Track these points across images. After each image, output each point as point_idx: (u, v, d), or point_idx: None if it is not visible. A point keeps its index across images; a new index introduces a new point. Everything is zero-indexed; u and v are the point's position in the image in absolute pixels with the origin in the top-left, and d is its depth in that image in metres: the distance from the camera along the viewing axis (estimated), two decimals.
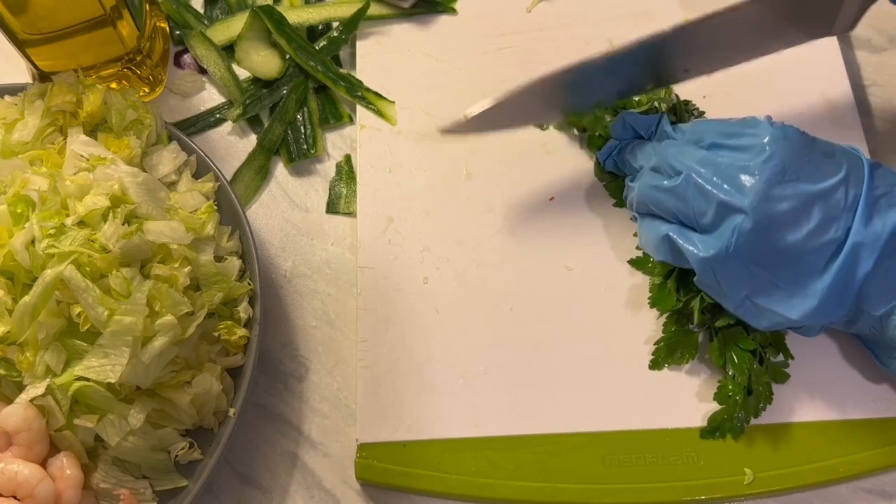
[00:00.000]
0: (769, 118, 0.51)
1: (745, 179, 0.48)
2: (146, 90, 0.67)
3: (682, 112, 0.61)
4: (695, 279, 0.52)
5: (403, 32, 0.69)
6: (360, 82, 0.67)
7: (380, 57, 0.68)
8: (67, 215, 0.50)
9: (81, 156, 0.54)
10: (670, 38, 0.55)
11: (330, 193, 0.65)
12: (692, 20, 0.54)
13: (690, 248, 0.51)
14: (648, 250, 0.56)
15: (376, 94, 0.66)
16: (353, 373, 0.59)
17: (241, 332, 0.54)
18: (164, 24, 0.70)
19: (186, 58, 0.70)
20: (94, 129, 0.58)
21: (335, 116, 0.67)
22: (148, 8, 0.66)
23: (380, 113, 0.66)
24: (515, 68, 0.66)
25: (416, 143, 0.64)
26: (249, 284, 0.55)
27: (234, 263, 0.56)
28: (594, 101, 0.60)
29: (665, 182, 0.52)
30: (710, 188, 0.49)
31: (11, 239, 0.49)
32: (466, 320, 0.58)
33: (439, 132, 0.57)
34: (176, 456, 0.52)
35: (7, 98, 0.59)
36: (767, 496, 0.53)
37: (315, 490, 0.56)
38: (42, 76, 0.63)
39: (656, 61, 0.57)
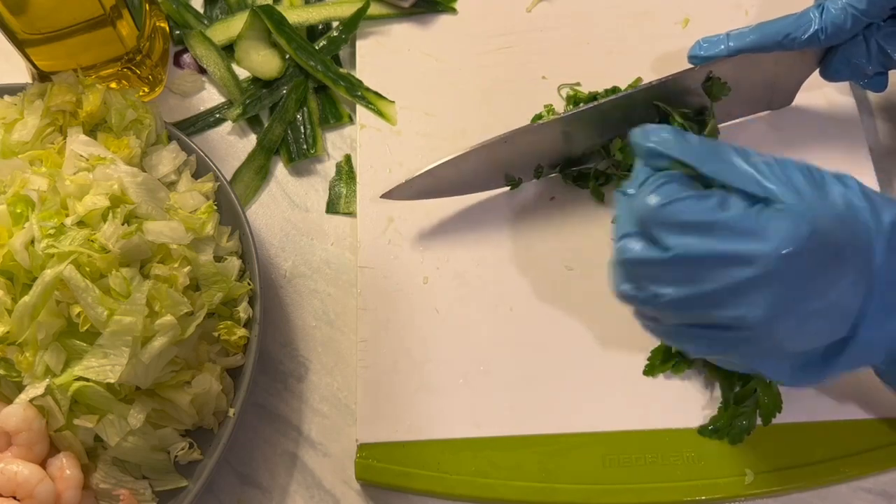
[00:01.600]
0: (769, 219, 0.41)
1: (744, 308, 0.40)
2: (146, 90, 0.67)
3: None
4: None
5: (403, 32, 0.69)
6: (360, 82, 0.67)
7: (380, 57, 0.68)
8: (67, 215, 0.50)
9: (81, 156, 0.54)
10: (608, 105, 0.56)
11: (330, 193, 0.65)
12: (648, 83, 0.56)
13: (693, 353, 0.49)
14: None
15: (376, 94, 0.66)
16: (352, 373, 0.59)
17: (241, 332, 0.54)
18: (164, 24, 0.70)
19: (186, 58, 0.70)
20: (93, 129, 0.58)
21: (335, 116, 0.67)
22: (148, 8, 0.66)
23: (380, 113, 0.66)
24: (515, 68, 0.66)
25: (416, 143, 0.64)
26: (249, 284, 0.55)
27: (234, 263, 0.56)
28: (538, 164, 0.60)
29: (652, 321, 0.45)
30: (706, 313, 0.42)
31: (11, 239, 0.49)
32: (466, 320, 0.58)
33: (381, 196, 0.59)
34: (176, 456, 0.52)
35: (7, 98, 0.59)
36: (767, 496, 0.53)
37: (315, 490, 0.56)
38: (42, 76, 0.63)
39: (607, 123, 0.57)
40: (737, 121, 0.61)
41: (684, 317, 0.43)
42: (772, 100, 0.61)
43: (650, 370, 0.55)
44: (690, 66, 0.57)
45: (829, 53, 0.57)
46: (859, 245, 0.41)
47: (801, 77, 0.59)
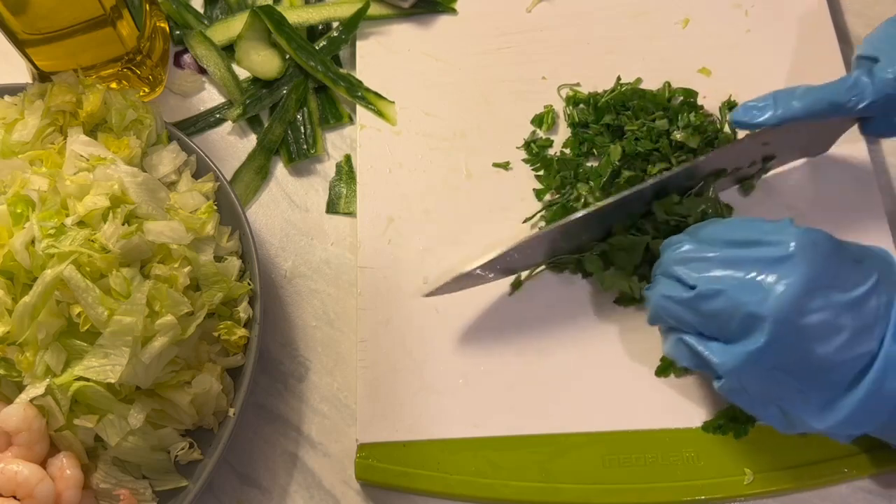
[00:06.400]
0: (793, 221, 0.47)
1: (772, 291, 0.44)
2: (146, 90, 0.67)
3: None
4: (717, 387, 0.48)
5: (403, 32, 0.69)
6: (360, 82, 0.67)
7: (380, 57, 0.68)
8: (67, 215, 0.50)
9: (81, 156, 0.54)
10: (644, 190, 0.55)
11: (330, 193, 0.65)
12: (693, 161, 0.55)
13: (714, 358, 0.47)
14: (671, 356, 0.52)
15: (376, 94, 0.66)
16: (353, 373, 0.59)
17: (241, 332, 0.54)
18: (164, 24, 0.70)
19: (186, 58, 0.70)
20: (94, 129, 0.58)
21: (335, 116, 0.67)
22: (148, 8, 0.66)
23: (380, 113, 0.66)
24: (515, 68, 0.66)
25: (416, 143, 0.64)
26: (249, 284, 0.55)
27: (234, 263, 0.56)
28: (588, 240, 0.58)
29: (683, 294, 0.48)
30: (732, 301, 0.46)
31: (11, 239, 0.49)
32: (466, 320, 0.58)
33: (423, 296, 0.56)
34: (176, 456, 0.52)
35: (7, 98, 0.59)
36: (767, 496, 0.53)
37: (315, 490, 0.56)
38: (42, 76, 0.63)
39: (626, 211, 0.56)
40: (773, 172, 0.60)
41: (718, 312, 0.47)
42: (808, 150, 0.59)
43: (662, 371, 0.55)
44: (730, 136, 0.59)
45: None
46: (880, 259, 0.47)
47: (840, 132, 0.58)
